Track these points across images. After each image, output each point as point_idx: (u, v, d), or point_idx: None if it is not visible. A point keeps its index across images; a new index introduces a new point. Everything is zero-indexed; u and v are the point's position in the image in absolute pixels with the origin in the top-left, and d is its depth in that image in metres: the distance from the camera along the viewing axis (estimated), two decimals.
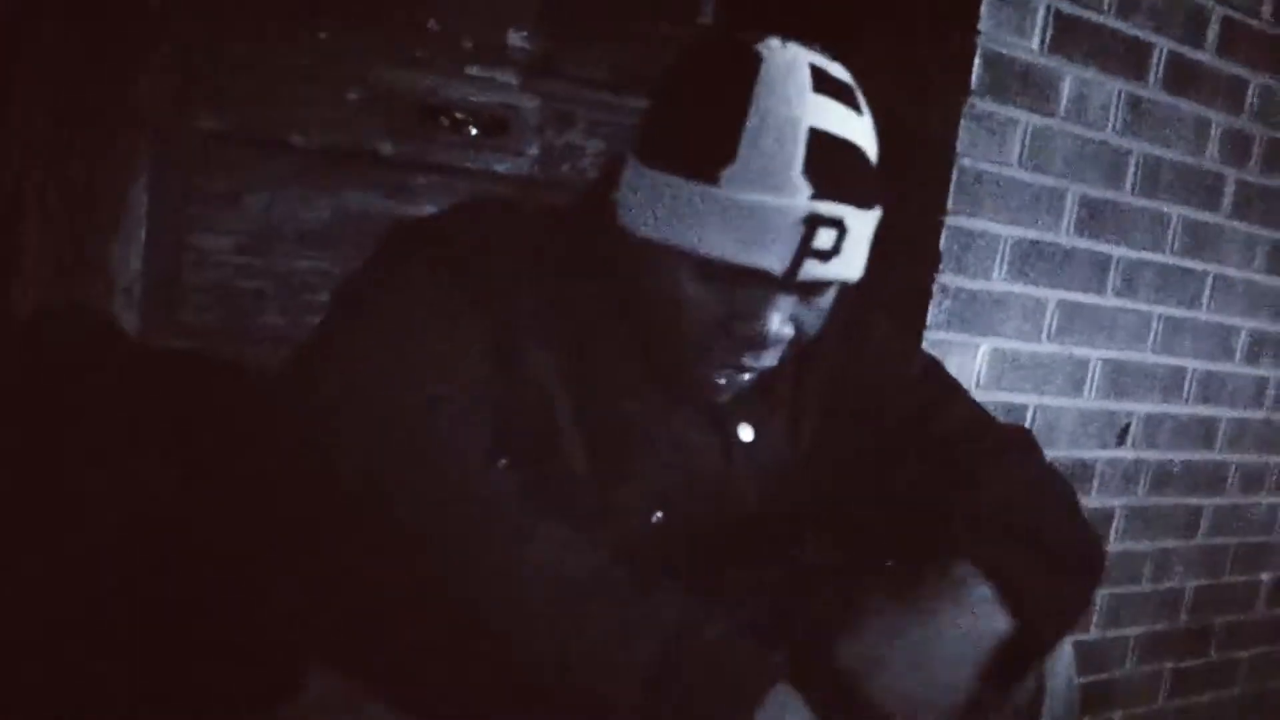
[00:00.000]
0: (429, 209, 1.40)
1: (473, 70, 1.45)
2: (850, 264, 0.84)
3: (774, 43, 0.84)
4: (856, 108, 0.84)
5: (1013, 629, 0.83)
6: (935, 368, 1.09)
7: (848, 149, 0.82)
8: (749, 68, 0.81)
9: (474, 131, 1.46)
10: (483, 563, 0.67)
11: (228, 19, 1.29)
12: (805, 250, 0.79)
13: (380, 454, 0.69)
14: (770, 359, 0.87)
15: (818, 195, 0.79)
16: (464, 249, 0.86)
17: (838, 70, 0.85)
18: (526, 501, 0.72)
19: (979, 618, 0.82)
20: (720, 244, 0.79)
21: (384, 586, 0.66)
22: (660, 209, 0.81)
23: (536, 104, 1.49)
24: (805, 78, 0.81)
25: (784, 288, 0.82)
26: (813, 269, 0.81)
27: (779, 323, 0.83)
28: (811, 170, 0.78)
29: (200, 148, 1.30)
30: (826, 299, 0.87)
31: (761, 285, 0.82)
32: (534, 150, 1.50)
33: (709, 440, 0.95)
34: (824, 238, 0.80)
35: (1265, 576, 2.05)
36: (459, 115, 1.44)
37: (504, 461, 0.83)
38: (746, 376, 0.88)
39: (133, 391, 1.29)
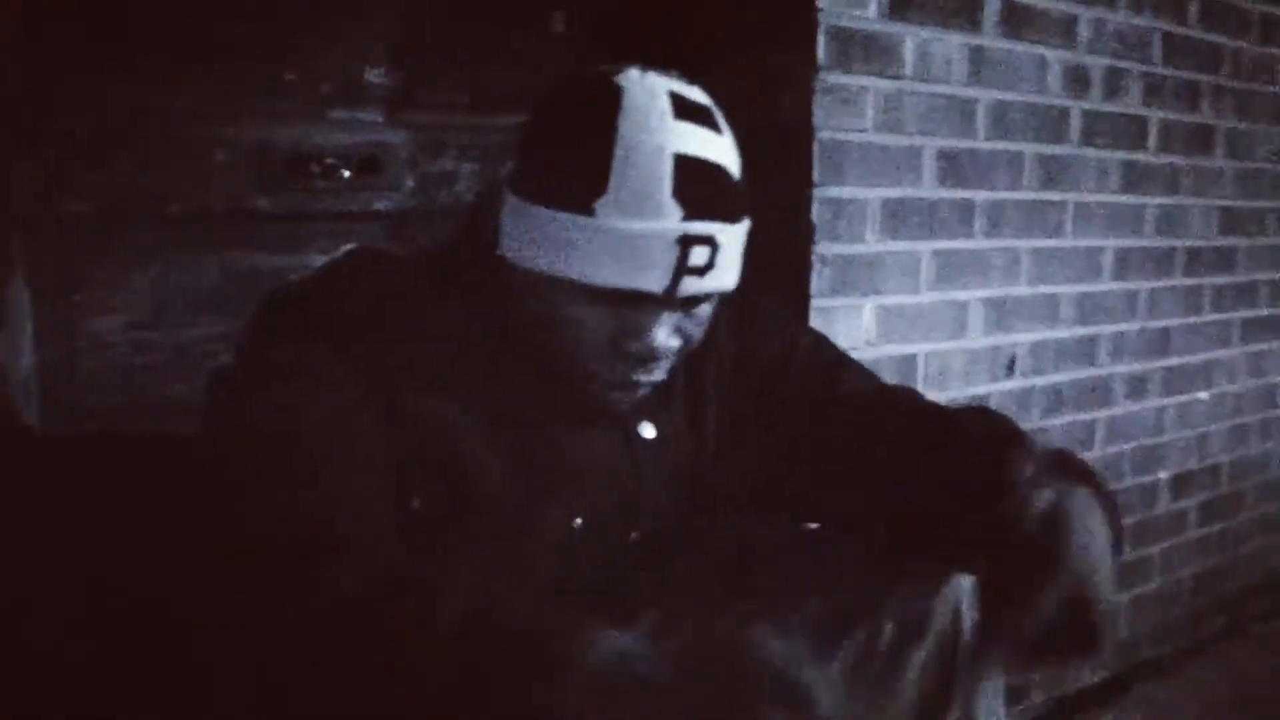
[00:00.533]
0: (317, 258, 1.42)
1: (337, 114, 1.47)
2: (725, 276, 0.89)
3: (633, 74, 0.88)
4: (716, 128, 0.89)
5: None
6: (823, 339, 1.16)
7: (712, 169, 0.87)
8: (611, 101, 0.85)
9: (346, 174, 1.48)
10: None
11: (83, 101, 1.29)
12: (682, 269, 0.84)
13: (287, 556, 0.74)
14: (660, 372, 0.92)
15: (688, 217, 0.84)
16: (334, 314, 0.88)
17: (696, 94, 0.90)
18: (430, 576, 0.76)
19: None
20: (602, 272, 0.84)
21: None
22: (542, 241, 0.86)
23: (404, 137, 1.51)
24: (665, 105, 0.86)
25: (666, 305, 0.88)
26: (691, 285, 0.86)
27: (665, 336, 0.89)
28: (680, 194, 0.83)
29: (75, 232, 1.30)
30: (707, 309, 0.93)
31: (645, 305, 0.87)
32: (409, 183, 1.52)
33: (614, 443, 1.01)
34: (698, 255, 0.85)
35: (1163, 475, 2.19)
36: (329, 160, 1.46)
37: (416, 502, 0.87)
38: (640, 391, 0.93)
39: (44, 485, 1.30)
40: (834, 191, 1.54)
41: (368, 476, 0.82)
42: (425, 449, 0.87)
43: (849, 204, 1.57)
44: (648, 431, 1.02)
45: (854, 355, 1.15)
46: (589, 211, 0.83)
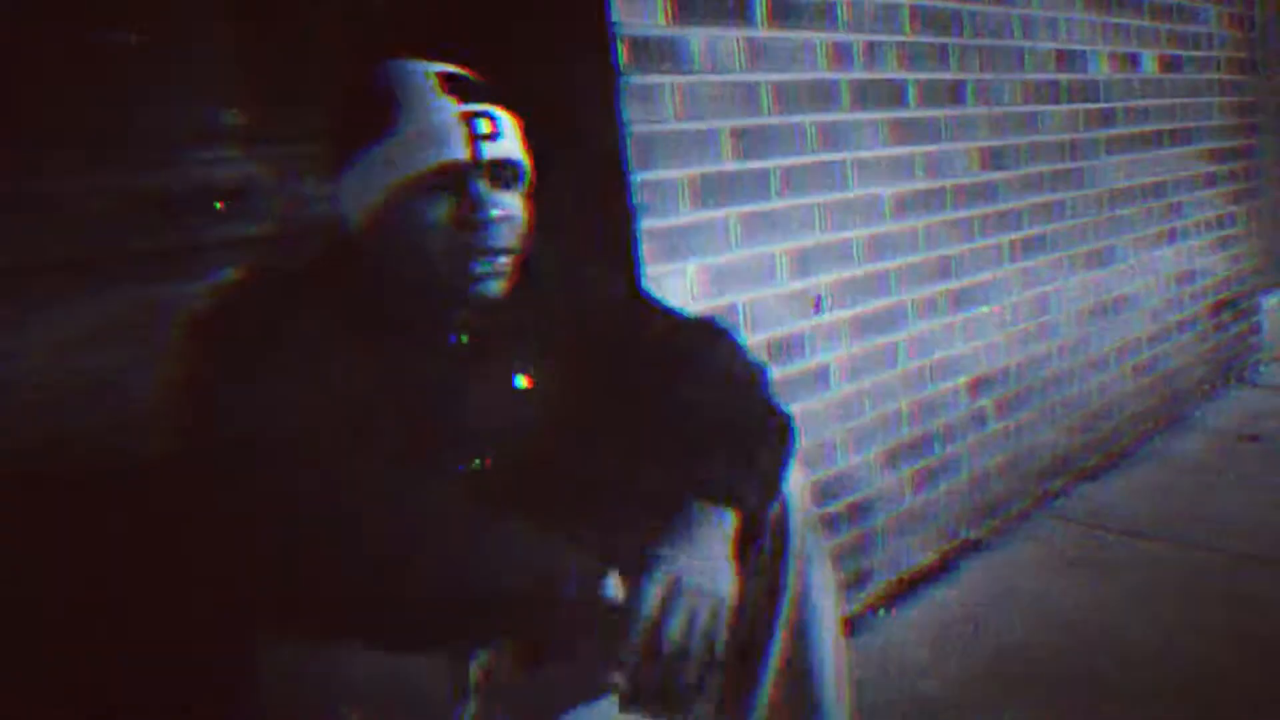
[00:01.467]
0: (200, 285, 1.60)
1: (200, 155, 1.64)
2: (512, 146, 1.17)
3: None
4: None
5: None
6: (641, 291, 1.43)
7: (465, 77, 1.17)
8: (380, 69, 1.17)
9: (217, 205, 1.66)
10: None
11: None
12: (473, 134, 1.13)
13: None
14: (503, 235, 1.16)
15: (463, 101, 1.14)
16: (252, 319, 1.11)
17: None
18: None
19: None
20: (418, 161, 1.11)
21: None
22: (374, 174, 1.12)
23: (263, 168, 1.70)
24: (420, 63, 1.17)
25: (476, 169, 1.13)
26: (488, 149, 1.13)
27: (486, 192, 1.14)
28: (449, 91, 1.14)
29: None
30: (515, 193, 1.18)
31: (460, 173, 1.12)
32: (275, 208, 1.71)
33: (494, 394, 1.25)
34: (482, 125, 1.13)
35: (961, 380, 2.56)
36: (198, 196, 1.63)
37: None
38: (497, 263, 1.16)
39: None
40: (649, 175, 1.81)
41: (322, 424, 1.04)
42: (341, 416, 1.09)
43: (662, 184, 1.83)
44: (521, 383, 1.26)
45: (685, 308, 1.41)
46: (394, 131, 1.11)
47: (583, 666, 1.30)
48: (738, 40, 1.96)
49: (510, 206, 1.17)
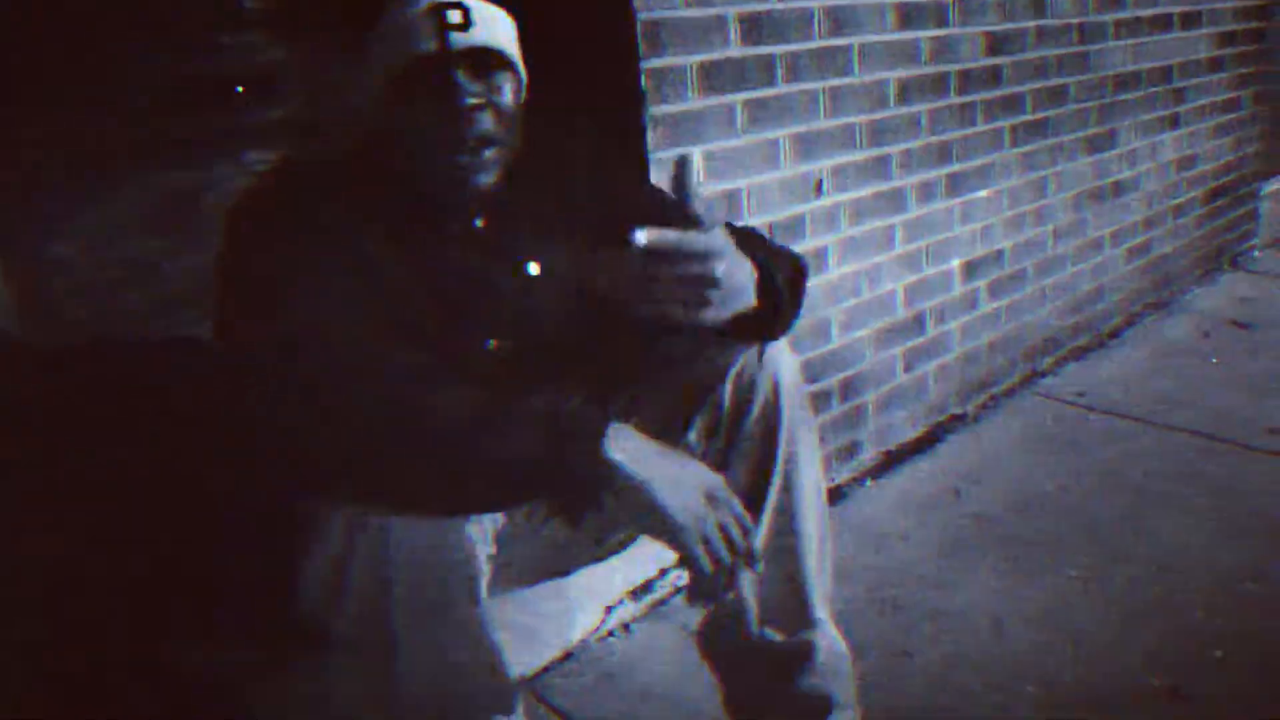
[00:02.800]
0: (237, 175, 1.68)
1: (223, 39, 1.70)
2: (492, 35, 1.21)
3: None
4: None
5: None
6: (647, 180, 1.50)
7: None
8: None
9: (239, 90, 1.73)
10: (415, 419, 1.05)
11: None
12: (443, 27, 1.18)
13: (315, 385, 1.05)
14: (486, 122, 1.21)
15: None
16: (291, 210, 1.19)
17: None
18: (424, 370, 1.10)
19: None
20: (395, 53, 1.18)
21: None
22: (365, 73, 1.22)
23: (287, 54, 1.75)
24: None
25: (450, 61, 1.19)
26: (460, 39, 1.18)
27: (466, 82, 1.19)
28: None
29: (25, 167, 1.53)
30: (501, 85, 1.23)
31: (439, 65, 1.18)
32: (300, 95, 1.77)
33: (508, 280, 1.34)
34: (453, 15, 1.18)
35: (955, 262, 2.64)
36: (223, 83, 1.70)
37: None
38: (483, 155, 1.22)
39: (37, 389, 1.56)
40: (657, 62, 1.86)
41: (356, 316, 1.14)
42: (386, 296, 1.19)
43: (671, 71, 1.88)
44: (533, 269, 1.36)
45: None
46: (379, 29, 1.20)
47: (590, 530, 1.44)
48: None
49: (490, 94, 1.22)
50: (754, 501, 1.33)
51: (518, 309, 1.34)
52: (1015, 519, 2.21)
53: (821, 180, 2.22)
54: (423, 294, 1.25)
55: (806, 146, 2.18)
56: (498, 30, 1.23)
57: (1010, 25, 2.69)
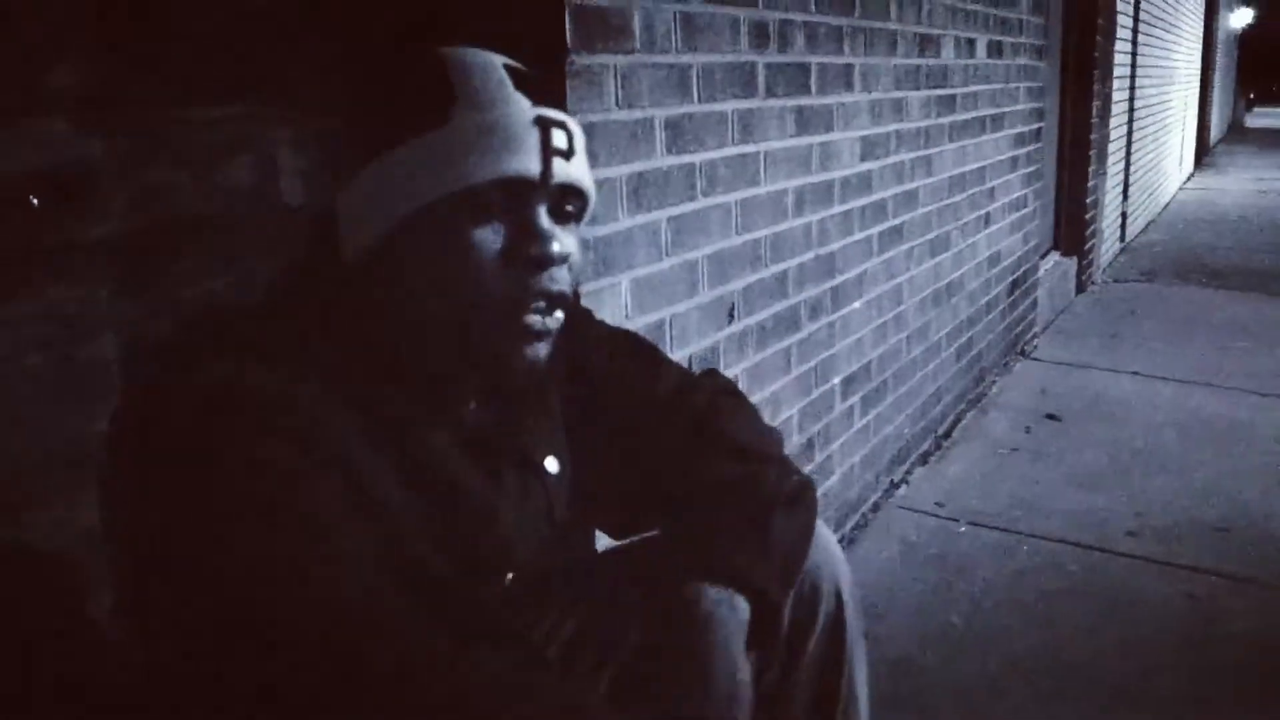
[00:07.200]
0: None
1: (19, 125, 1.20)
2: (586, 171, 0.91)
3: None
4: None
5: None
6: (631, 334, 1.19)
7: (537, 76, 0.91)
8: (438, 54, 0.88)
9: (35, 202, 1.23)
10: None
11: None
12: (548, 149, 0.86)
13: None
14: (562, 280, 0.89)
15: (535, 104, 0.86)
16: (275, 411, 0.77)
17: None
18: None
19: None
20: (476, 168, 0.83)
21: None
22: (412, 175, 0.83)
23: (103, 148, 1.27)
24: (485, 52, 0.90)
25: (544, 192, 0.87)
26: (561, 169, 0.87)
27: (548, 225, 0.87)
28: (521, 88, 0.87)
29: None
30: (573, 230, 0.92)
31: (524, 196, 0.86)
32: (121, 201, 1.29)
33: (530, 488, 0.98)
34: (559, 137, 0.87)
35: (836, 380, 2.48)
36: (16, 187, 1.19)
37: None
38: (554, 319, 0.89)
39: None
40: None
41: (368, 553, 0.76)
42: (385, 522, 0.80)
43: (602, 184, 1.57)
44: (552, 466, 1.01)
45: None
46: (446, 119, 0.83)
47: None
48: (673, 14, 1.71)
49: (571, 254, 0.90)
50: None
51: (541, 524, 0.99)
52: (939, 665, 2.04)
53: (734, 304, 1.97)
54: (419, 517, 0.86)
55: (721, 268, 1.92)
56: (587, 166, 0.91)
57: (877, 129, 2.59)
